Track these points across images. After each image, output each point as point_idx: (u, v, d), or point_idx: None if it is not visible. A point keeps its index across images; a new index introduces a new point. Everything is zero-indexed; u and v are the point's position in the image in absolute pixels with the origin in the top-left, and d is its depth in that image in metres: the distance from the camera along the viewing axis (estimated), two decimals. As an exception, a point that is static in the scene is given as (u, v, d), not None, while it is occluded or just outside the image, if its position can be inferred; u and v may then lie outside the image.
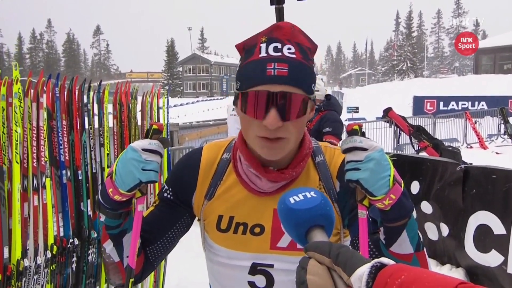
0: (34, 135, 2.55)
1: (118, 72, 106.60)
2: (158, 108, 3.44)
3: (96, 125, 2.95)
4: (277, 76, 1.02)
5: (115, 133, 3.06)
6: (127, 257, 1.20)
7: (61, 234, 2.73)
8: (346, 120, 16.34)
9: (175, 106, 39.35)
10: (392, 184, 0.96)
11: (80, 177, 2.78)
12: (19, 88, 2.47)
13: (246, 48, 1.10)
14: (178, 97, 66.25)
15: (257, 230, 1.19)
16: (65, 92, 2.74)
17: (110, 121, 3.05)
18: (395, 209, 0.96)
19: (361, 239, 0.99)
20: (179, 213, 1.28)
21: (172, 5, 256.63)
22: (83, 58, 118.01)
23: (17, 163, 2.43)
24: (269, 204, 1.18)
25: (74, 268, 2.75)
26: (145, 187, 1.15)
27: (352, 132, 1.01)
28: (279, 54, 1.04)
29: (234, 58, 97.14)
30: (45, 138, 2.60)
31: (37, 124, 2.57)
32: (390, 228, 1.00)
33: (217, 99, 56.31)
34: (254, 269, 1.20)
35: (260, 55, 1.05)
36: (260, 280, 1.20)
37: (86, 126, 2.88)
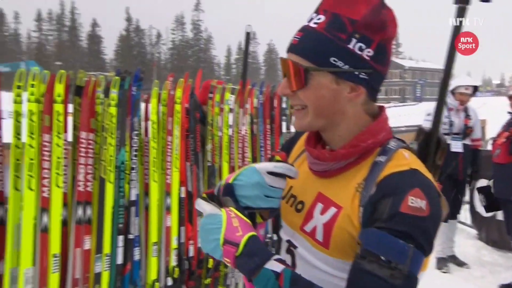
0: (240, 138, 2.87)
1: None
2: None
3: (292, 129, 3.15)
4: (291, 45, 1.01)
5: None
6: None
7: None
8: None
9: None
10: (222, 247, 0.91)
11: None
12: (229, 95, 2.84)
13: None
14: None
15: (299, 206, 1.09)
16: (268, 99, 3.01)
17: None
18: (239, 269, 0.92)
19: None
20: None
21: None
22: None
23: (226, 162, 2.75)
24: (316, 184, 1.07)
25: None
26: (267, 214, 1.07)
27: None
28: (306, 24, 1.00)
29: (430, 62, 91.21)
30: (248, 141, 2.90)
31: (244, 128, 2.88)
32: None
33: (410, 105, 53.73)
34: (287, 247, 1.12)
35: None
36: (288, 260, 1.10)
37: (284, 130, 3.11)
